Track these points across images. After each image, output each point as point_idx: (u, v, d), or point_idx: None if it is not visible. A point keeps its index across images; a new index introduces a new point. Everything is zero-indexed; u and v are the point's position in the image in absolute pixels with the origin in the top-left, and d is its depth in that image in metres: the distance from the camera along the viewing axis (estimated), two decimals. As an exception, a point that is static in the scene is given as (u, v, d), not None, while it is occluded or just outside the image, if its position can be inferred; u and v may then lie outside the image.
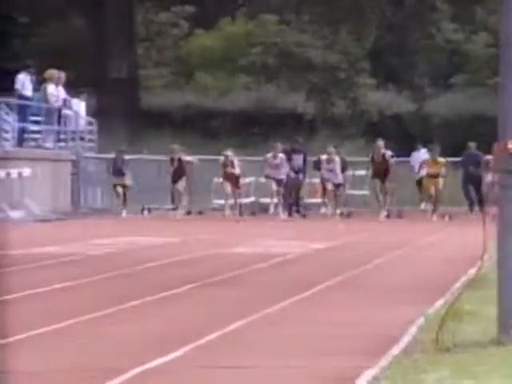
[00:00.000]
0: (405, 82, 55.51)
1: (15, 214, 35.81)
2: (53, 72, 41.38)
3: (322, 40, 54.40)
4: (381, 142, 38.28)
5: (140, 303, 15.18)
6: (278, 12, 55.21)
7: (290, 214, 41.57)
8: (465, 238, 26.07)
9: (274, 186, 41.03)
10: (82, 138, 43.22)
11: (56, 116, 41.11)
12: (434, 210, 40.37)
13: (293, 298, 16.46)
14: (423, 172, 40.76)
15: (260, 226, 38.07)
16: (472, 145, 41.95)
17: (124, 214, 40.15)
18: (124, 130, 42.64)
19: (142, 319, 14.09)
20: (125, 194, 40.99)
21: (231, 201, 42.47)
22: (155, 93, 54.71)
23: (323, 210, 43.43)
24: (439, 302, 15.07)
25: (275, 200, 42.05)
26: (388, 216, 38.99)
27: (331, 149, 40.06)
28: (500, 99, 11.24)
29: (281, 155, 40.57)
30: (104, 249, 26.07)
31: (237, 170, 42.47)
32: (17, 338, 11.41)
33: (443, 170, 39.56)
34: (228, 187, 42.02)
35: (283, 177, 41.17)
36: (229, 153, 42.66)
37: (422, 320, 13.34)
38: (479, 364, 10.43)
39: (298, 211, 41.54)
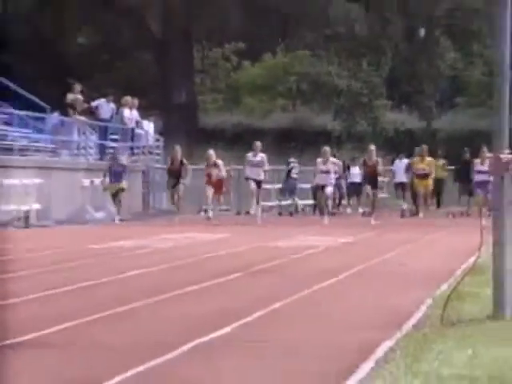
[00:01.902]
0: (415, 103, 55.10)
1: (98, 215, 36.04)
2: (127, 99, 41.68)
3: (346, 70, 54.21)
4: (373, 147, 35.40)
5: (198, 287, 14.95)
6: (310, 47, 55.07)
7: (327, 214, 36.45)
8: (464, 235, 25.22)
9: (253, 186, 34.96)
10: (150, 153, 43.68)
11: (130, 135, 41.61)
12: (412, 210, 38.53)
13: (323, 283, 16.23)
14: (408, 175, 38.70)
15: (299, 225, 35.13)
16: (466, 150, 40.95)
17: (116, 219, 35.60)
18: (184, 145, 42.33)
19: (199, 301, 13.81)
20: (119, 197, 36.45)
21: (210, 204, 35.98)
22: (210, 114, 54.70)
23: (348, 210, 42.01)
24: (444, 286, 14.94)
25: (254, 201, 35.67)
26: (363, 214, 36.12)
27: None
28: (493, 118, 11.50)
29: (261, 154, 35.10)
30: (169, 243, 25.69)
31: (221, 173, 36.05)
32: (93, 317, 11.38)
33: (431, 169, 37.61)
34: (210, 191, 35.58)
35: (262, 178, 35.20)
36: (211, 152, 36.94)
37: (429, 301, 13.24)
38: (479, 336, 10.47)
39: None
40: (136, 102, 42.12)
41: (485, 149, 35.32)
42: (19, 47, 48.75)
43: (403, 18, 55.24)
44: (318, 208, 37.20)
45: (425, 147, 38.16)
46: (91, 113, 39.81)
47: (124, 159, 37.41)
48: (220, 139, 47.79)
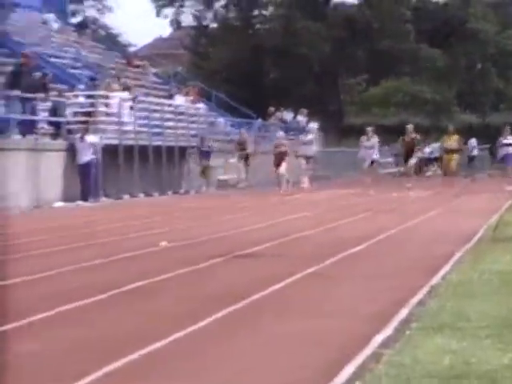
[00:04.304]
0: (474, 108, 54.72)
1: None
2: (303, 110, 41.23)
3: (431, 88, 53.53)
4: (409, 126, 28.01)
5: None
6: (409, 75, 54.52)
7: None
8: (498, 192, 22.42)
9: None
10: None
11: (302, 131, 39.74)
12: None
13: (425, 215, 15.57)
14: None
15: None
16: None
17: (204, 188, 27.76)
18: (334, 136, 41.73)
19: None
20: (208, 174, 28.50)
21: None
22: (351, 118, 54.39)
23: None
24: (494, 217, 14.33)
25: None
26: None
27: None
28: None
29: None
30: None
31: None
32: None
33: (457, 145, 29.13)
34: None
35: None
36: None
37: (485, 226, 12.68)
38: None
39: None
40: (305, 110, 41.85)
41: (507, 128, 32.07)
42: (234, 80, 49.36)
43: (465, 56, 54.34)
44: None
45: (450, 126, 30.49)
46: (280, 119, 39.29)
47: (210, 142, 29.00)
48: (358, 133, 47.43)
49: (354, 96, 57.86)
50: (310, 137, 28.36)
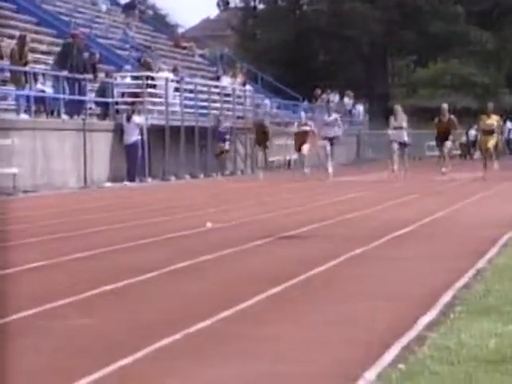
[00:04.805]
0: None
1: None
2: (348, 92, 41.14)
3: (483, 71, 52.94)
4: (445, 105, 24.04)
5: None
6: (458, 57, 53.97)
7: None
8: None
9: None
10: (361, 124, 41.86)
11: (348, 114, 39.57)
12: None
13: (471, 198, 15.04)
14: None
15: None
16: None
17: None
18: (382, 119, 41.51)
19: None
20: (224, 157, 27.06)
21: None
22: (398, 100, 53.74)
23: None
24: None
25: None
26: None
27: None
28: None
29: (404, 123, 23.64)
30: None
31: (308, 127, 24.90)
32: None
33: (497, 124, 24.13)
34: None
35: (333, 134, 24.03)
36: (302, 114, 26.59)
37: None
38: None
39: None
40: (351, 93, 41.62)
41: None
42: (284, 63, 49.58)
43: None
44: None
45: (490, 105, 25.12)
46: (327, 102, 39.16)
47: (228, 123, 27.41)
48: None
49: (401, 78, 57.52)
50: (333, 117, 25.04)
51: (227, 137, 26.90)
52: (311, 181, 22.11)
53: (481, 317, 5.06)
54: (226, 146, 26.89)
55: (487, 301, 5.56)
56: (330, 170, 23.22)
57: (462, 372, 3.88)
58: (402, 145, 23.84)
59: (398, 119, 23.92)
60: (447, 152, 23.55)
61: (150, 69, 25.22)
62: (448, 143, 23.42)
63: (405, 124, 23.91)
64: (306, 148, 24.47)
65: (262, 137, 25.61)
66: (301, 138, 24.69)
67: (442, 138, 23.51)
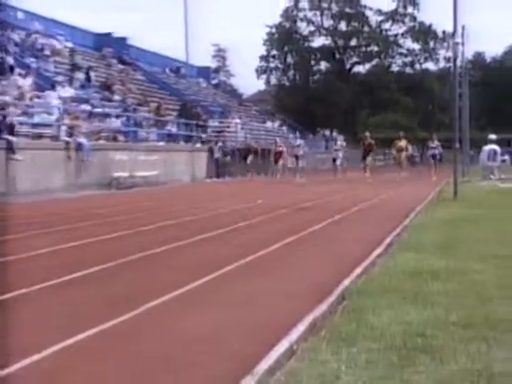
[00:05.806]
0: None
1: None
2: (335, 129, 41.54)
3: (405, 119, 52.83)
4: (367, 134, 22.18)
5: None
6: (393, 111, 54.17)
7: None
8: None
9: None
10: (341, 146, 35.17)
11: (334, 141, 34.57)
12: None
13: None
14: None
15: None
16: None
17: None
18: (351, 143, 38.72)
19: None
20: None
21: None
22: (360, 132, 51.39)
23: None
24: (437, 189, 13.89)
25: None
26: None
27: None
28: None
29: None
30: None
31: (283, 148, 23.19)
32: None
33: (404, 146, 21.32)
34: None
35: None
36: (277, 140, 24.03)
37: (432, 193, 12.37)
38: (450, 205, 9.97)
39: None
40: (336, 130, 41.26)
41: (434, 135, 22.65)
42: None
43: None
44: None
45: (401, 133, 21.77)
46: (322, 135, 39.56)
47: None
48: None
49: (362, 122, 59.61)
50: (298, 142, 24.02)
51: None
52: (283, 182, 19.31)
53: (406, 251, 5.22)
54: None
55: (409, 242, 5.71)
56: (298, 176, 20.98)
57: (395, 279, 4.12)
58: (337, 159, 23.23)
59: (337, 144, 24.13)
60: (369, 164, 21.05)
61: (226, 117, 27.66)
62: (369, 158, 21.83)
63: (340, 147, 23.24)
64: (280, 162, 22.65)
65: (278, 156, 23.05)
66: (277, 155, 22.75)
67: (364, 154, 21.23)
